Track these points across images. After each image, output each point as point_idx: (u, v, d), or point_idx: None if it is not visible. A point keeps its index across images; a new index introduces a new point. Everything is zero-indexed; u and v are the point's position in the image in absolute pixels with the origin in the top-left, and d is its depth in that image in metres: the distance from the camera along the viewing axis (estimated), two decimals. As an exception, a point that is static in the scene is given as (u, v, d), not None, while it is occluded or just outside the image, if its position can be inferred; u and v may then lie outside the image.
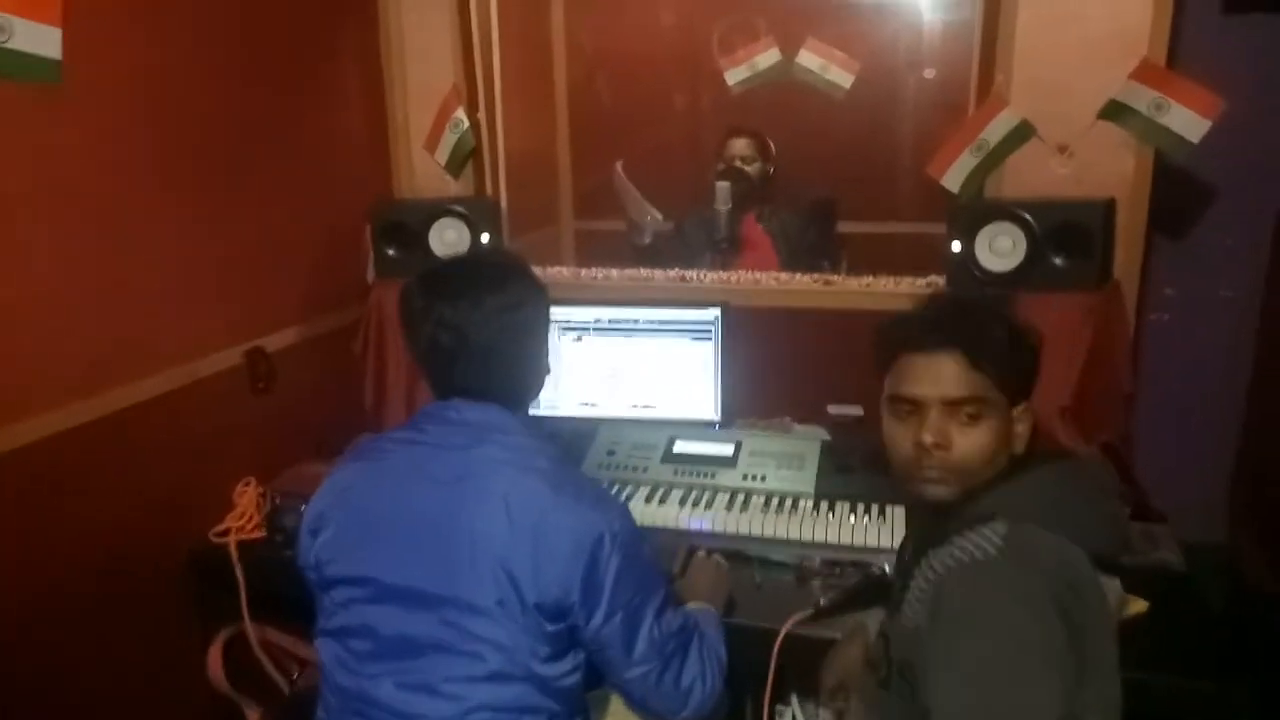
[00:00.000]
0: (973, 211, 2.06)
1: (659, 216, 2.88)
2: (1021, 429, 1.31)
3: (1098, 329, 1.96)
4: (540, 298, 1.49)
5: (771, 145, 3.07)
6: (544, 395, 2.39)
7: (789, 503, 2.01)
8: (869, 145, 3.43)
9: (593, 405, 2.45)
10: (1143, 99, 2.06)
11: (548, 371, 1.54)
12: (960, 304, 1.39)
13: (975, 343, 1.27)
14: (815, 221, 2.68)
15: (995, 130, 2.19)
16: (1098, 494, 1.34)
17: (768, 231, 3.00)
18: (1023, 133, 2.17)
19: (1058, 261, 2.01)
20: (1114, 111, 2.10)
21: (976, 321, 1.31)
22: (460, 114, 2.57)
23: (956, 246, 2.07)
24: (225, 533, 2.00)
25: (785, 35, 2.70)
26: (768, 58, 2.71)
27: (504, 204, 2.73)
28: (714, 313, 2.36)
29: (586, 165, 3.74)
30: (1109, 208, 2.03)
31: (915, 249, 3.21)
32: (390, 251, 2.44)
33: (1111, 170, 2.18)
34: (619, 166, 2.85)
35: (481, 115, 2.63)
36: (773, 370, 2.51)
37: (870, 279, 2.48)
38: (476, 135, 2.61)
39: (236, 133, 2.14)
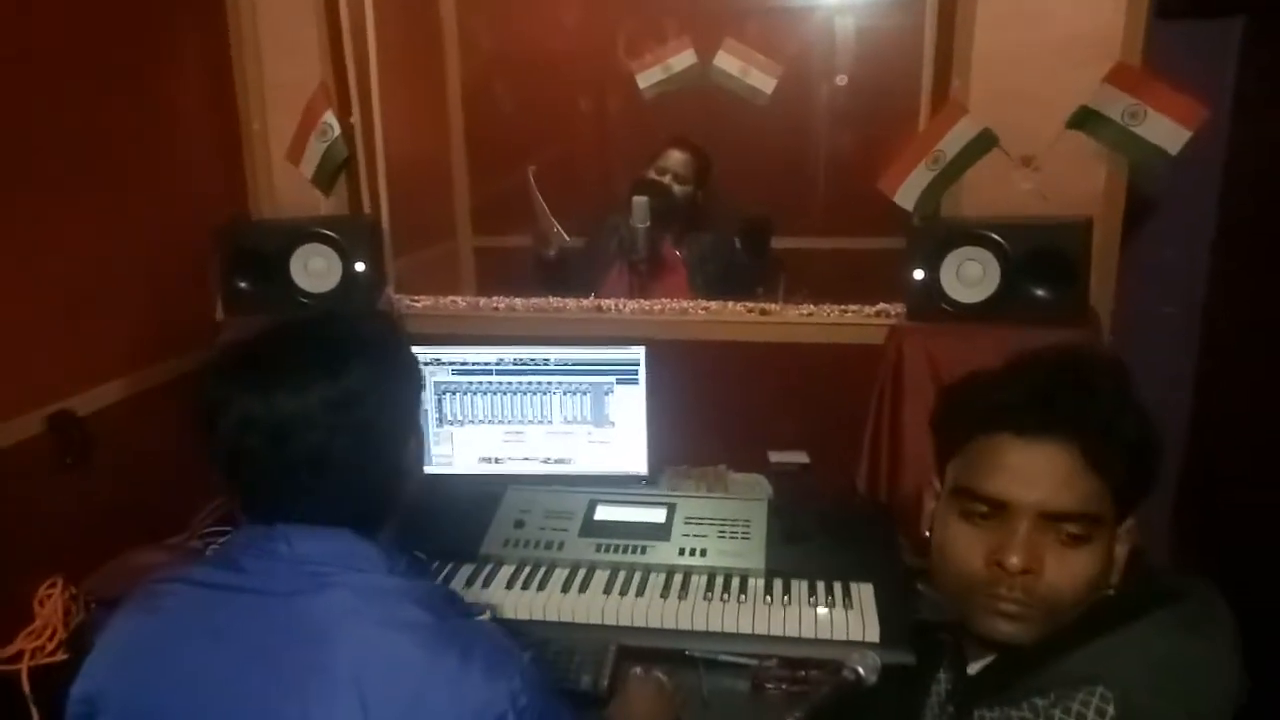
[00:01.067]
0: (936, 235, 1.79)
1: (564, 235, 2.53)
2: (1122, 551, 1.00)
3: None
4: (398, 378, 1.08)
5: (712, 168, 2.73)
6: (435, 450, 2.08)
7: (735, 583, 1.68)
8: (801, 155, 3.14)
9: (496, 462, 2.08)
10: (1116, 106, 1.83)
11: (418, 472, 1.15)
12: (1079, 371, 1.00)
13: (1101, 435, 0.94)
14: (747, 242, 2.37)
15: (953, 141, 1.92)
16: (1227, 654, 0.93)
17: (684, 259, 2.68)
18: (983, 143, 1.91)
19: (1037, 291, 1.74)
20: (1084, 119, 1.86)
21: (1104, 402, 0.96)
22: (329, 118, 2.17)
23: (919, 274, 1.78)
24: (16, 657, 1.55)
25: (705, 35, 2.39)
26: (682, 60, 2.40)
27: (385, 222, 2.33)
28: (638, 352, 2.02)
29: (486, 174, 3.36)
30: (1086, 229, 1.78)
31: (856, 267, 2.95)
32: (242, 284, 2.01)
33: (1081, 185, 1.93)
34: (530, 172, 2.48)
35: (356, 119, 2.22)
36: (705, 413, 2.19)
37: (811, 307, 2.18)
38: (350, 143, 2.21)
39: (45, 141, 1.69)
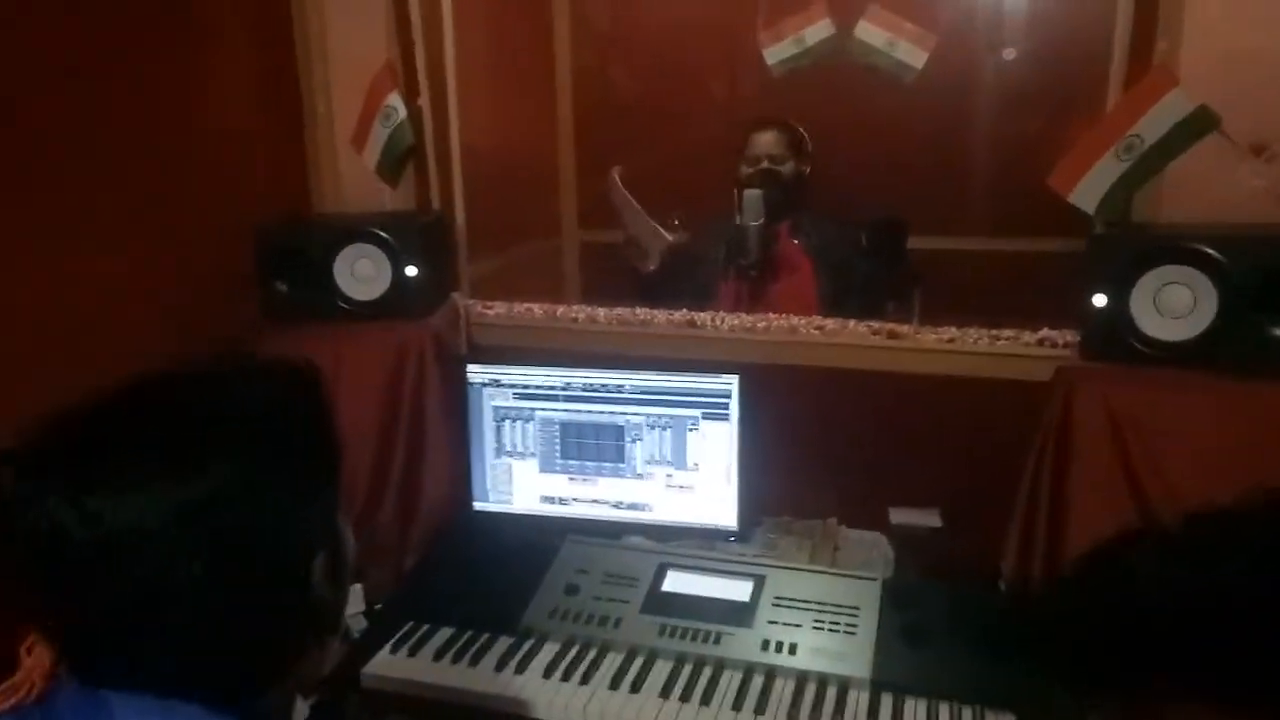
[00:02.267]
0: (1126, 248, 1.33)
1: (667, 236, 2.18)
2: None
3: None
4: (290, 473, 0.75)
5: (807, 138, 2.35)
6: (495, 481, 1.80)
7: (831, 695, 1.30)
8: (953, 141, 2.67)
9: (560, 502, 1.77)
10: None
11: (330, 629, 0.83)
12: None
13: None
14: (875, 246, 1.95)
15: (1156, 122, 1.45)
16: None
17: (807, 250, 2.29)
18: (1200, 124, 1.43)
19: (1272, 328, 1.26)
20: (1347, 92, 1.36)
21: None
22: (394, 99, 1.91)
23: (1100, 300, 1.33)
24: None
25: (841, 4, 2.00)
26: (818, 30, 2.03)
27: (460, 217, 2.06)
28: (731, 382, 1.66)
29: (596, 165, 3.06)
30: None
31: (1016, 276, 2.48)
32: (282, 287, 1.77)
33: (1336, 182, 1.42)
34: (615, 174, 2.16)
35: (425, 102, 1.95)
36: (815, 456, 1.81)
37: (954, 331, 1.75)
38: (417, 129, 1.94)
39: (69, 124, 1.51)
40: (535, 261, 2.94)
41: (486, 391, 1.77)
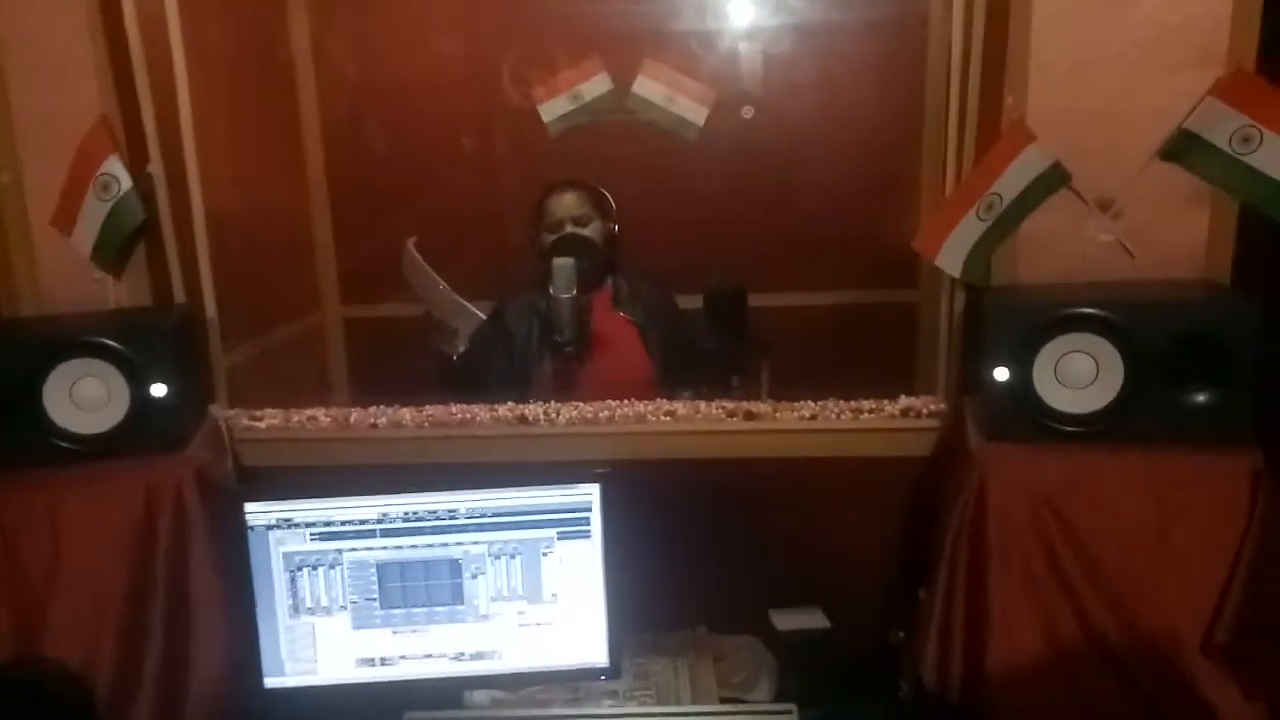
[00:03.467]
0: (1024, 317, 1.23)
1: (478, 314, 1.89)
2: None
3: (1269, 507, 1.17)
4: None
5: (608, 196, 2.17)
6: (293, 648, 1.39)
7: None
8: (757, 199, 2.59)
9: (383, 663, 1.41)
10: (1225, 127, 1.34)
11: None
12: None
13: None
14: (716, 320, 1.78)
15: (1014, 179, 1.39)
16: None
17: (633, 320, 2.09)
18: (1053, 180, 1.40)
19: (1193, 396, 1.20)
20: (1182, 148, 1.37)
21: None
22: (114, 166, 1.47)
23: (1002, 374, 1.22)
24: None
25: (620, 59, 1.86)
26: (595, 85, 1.87)
27: (212, 309, 1.64)
28: (590, 492, 1.39)
29: (355, 231, 2.69)
30: (1249, 307, 1.25)
31: (844, 327, 2.44)
32: (-36, 430, 1.28)
33: (1176, 236, 1.43)
34: (410, 245, 1.84)
35: (156, 168, 1.53)
36: (672, 557, 1.57)
37: (813, 406, 1.61)
38: (149, 201, 1.52)
39: None
40: (296, 345, 2.51)
41: (273, 535, 1.37)
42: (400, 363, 2.38)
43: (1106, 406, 1.21)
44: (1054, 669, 1.25)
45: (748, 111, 2.56)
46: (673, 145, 1.81)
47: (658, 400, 1.65)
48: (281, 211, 2.50)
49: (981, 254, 1.43)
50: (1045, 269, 1.45)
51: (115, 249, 1.50)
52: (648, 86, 1.85)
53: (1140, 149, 1.40)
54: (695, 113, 1.82)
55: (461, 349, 1.87)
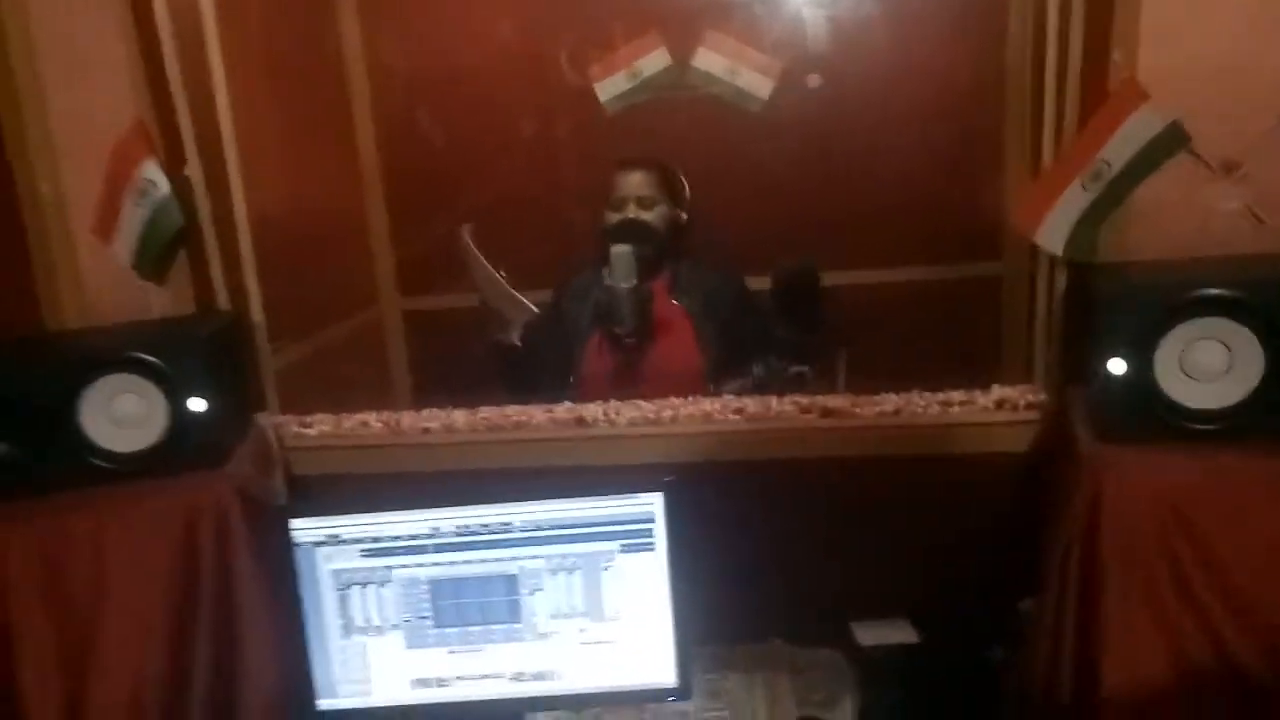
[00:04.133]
0: (1146, 300, 1.07)
1: (531, 306, 1.80)
2: None
3: None
4: None
5: (682, 180, 2.05)
6: (345, 669, 1.34)
7: None
8: (823, 174, 2.44)
9: (439, 684, 1.33)
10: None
11: None
12: None
13: None
14: (787, 305, 1.64)
15: (1125, 143, 1.23)
16: None
17: (686, 309, 1.97)
18: (1170, 143, 1.23)
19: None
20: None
21: None
22: (151, 171, 1.42)
23: (1119, 366, 1.07)
24: None
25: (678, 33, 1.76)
26: (653, 61, 1.76)
27: (259, 314, 1.58)
28: (652, 501, 1.29)
29: (412, 221, 2.63)
30: None
31: (922, 306, 2.32)
32: (2, 448, 1.24)
33: (1314, 200, 1.25)
34: (465, 234, 1.76)
35: (195, 171, 1.47)
36: (743, 565, 1.46)
37: (895, 399, 1.48)
38: (188, 205, 1.46)
39: None
40: (353, 342, 2.46)
41: (321, 553, 1.31)
42: (462, 354, 2.32)
43: (1242, 401, 1.05)
44: (1178, 696, 1.10)
45: (814, 80, 2.41)
46: (738, 119, 1.68)
47: (725, 397, 1.53)
48: (333, 206, 2.45)
49: (1088, 228, 1.27)
50: (1160, 243, 1.28)
51: (156, 256, 1.45)
52: (709, 59, 1.74)
53: (1268, 105, 1.22)
54: (760, 85, 1.70)
55: (516, 340, 1.78)
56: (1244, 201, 1.25)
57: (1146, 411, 1.07)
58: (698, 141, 2.21)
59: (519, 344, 1.90)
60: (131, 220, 1.44)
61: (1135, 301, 1.07)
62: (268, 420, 1.54)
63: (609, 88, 1.75)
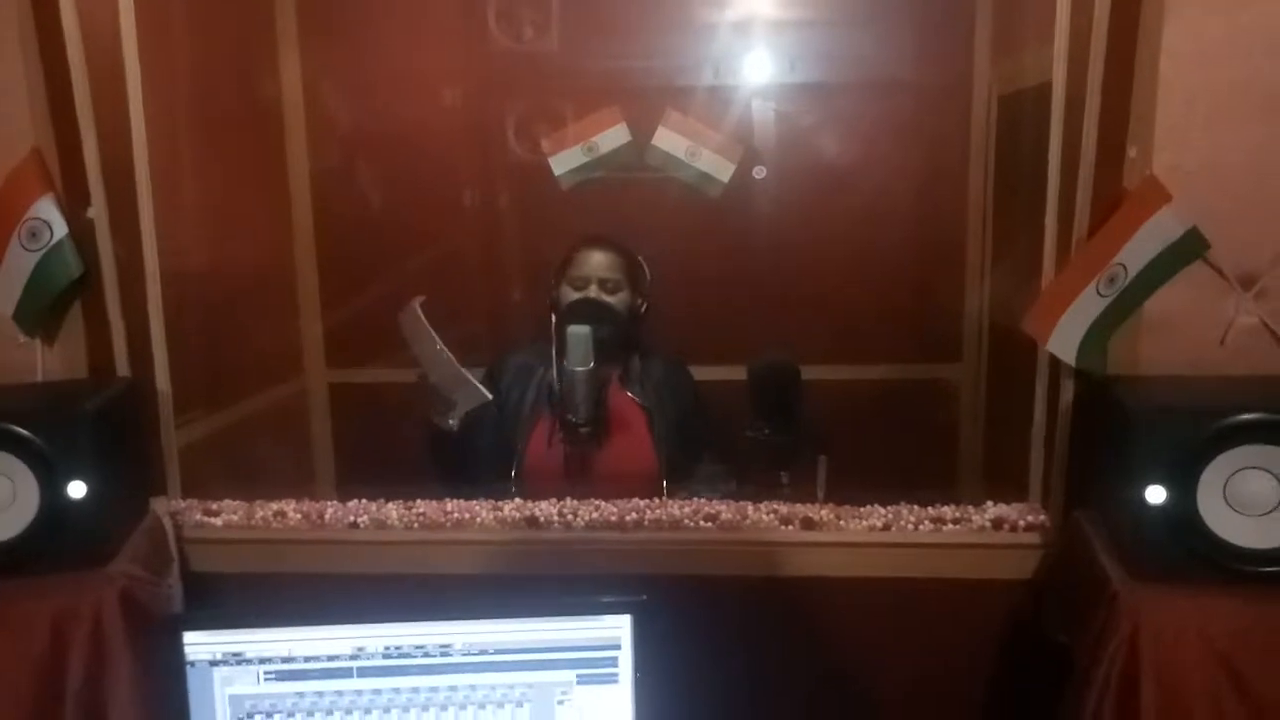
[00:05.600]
0: (1186, 422, 0.96)
1: (484, 392, 1.62)
2: None
3: None
4: None
5: (645, 269, 1.91)
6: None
7: None
8: (787, 263, 2.34)
9: (353, 842, 1.10)
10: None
11: None
12: None
13: None
14: (766, 404, 1.50)
15: (1142, 247, 1.15)
16: None
17: (640, 403, 1.82)
18: (1189, 250, 1.15)
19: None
20: (1345, 213, 1.13)
21: None
22: (46, 208, 1.22)
23: (1157, 495, 0.96)
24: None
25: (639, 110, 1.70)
26: (612, 136, 1.69)
27: (164, 382, 1.37)
28: (619, 625, 1.11)
29: (344, 286, 2.43)
30: None
31: (886, 404, 2.23)
32: None
33: (1334, 319, 1.18)
34: (417, 306, 1.59)
35: (98, 211, 1.27)
36: (722, 698, 1.28)
37: (883, 513, 1.34)
38: (87, 251, 1.26)
39: None
40: (272, 417, 2.22)
41: (219, 674, 1.08)
42: (394, 435, 2.11)
43: (1297, 541, 0.94)
44: None
45: (760, 172, 2.35)
46: (695, 204, 1.66)
47: (696, 501, 1.37)
48: (260, 265, 2.24)
49: (1100, 336, 1.18)
50: (1173, 357, 1.20)
51: (42, 308, 1.24)
52: (669, 139, 1.70)
53: (1292, 215, 1.16)
54: (721, 167, 1.65)
55: (453, 424, 1.59)
56: (1261, 317, 1.18)
57: (1189, 548, 0.96)
58: (653, 224, 2.10)
59: (454, 427, 1.72)
60: (18, 265, 1.23)
61: (1174, 424, 0.96)
62: (165, 507, 1.32)
63: (564, 160, 1.66)
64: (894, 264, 2.33)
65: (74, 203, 1.25)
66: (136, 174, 1.31)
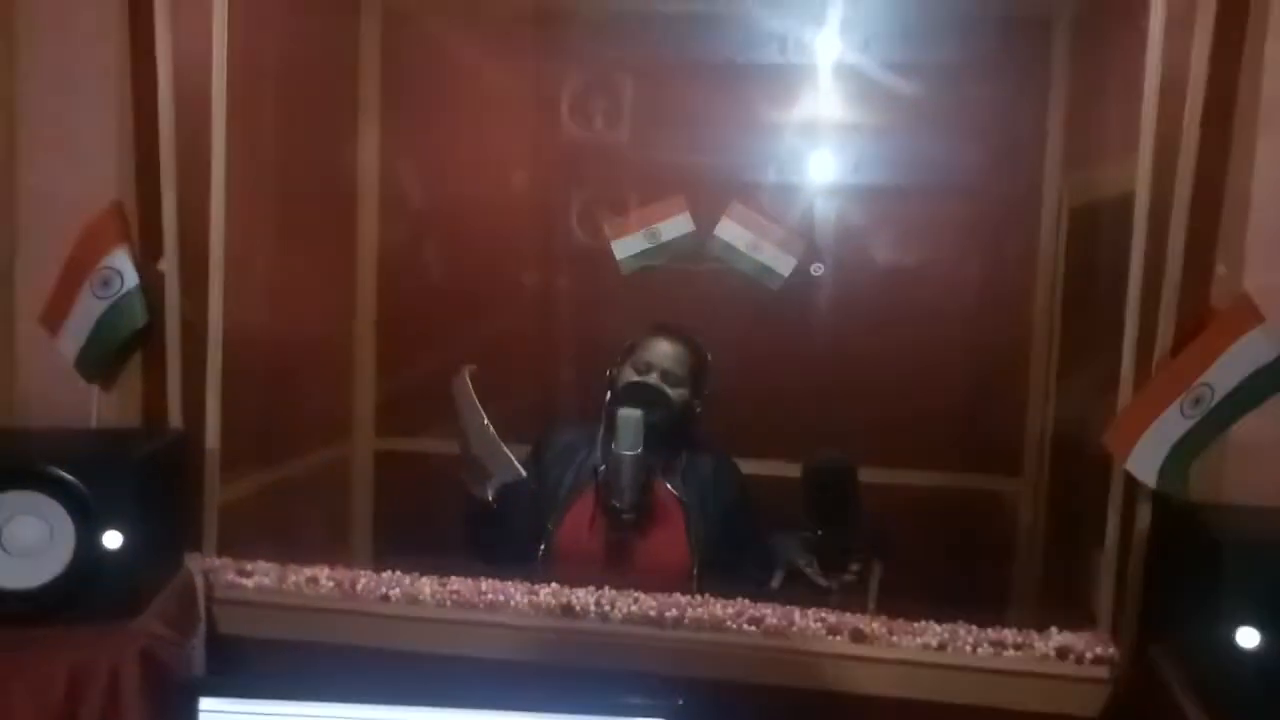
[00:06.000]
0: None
1: (519, 469, 1.59)
2: None
3: None
4: None
5: (711, 371, 1.86)
6: None
7: None
8: (846, 366, 2.30)
9: None
10: None
11: None
12: None
13: None
14: (822, 505, 1.44)
15: (1231, 368, 1.09)
16: None
17: (681, 499, 1.76)
18: (1278, 376, 1.08)
19: None
20: None
21: None
22: (119, 259, 1.24)
23: (1250, 638, 0.88)
24: None
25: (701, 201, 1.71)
26: (675, 225, 1.68)
27: (214, 439, 1.36)
28: (649, 732, 1.04)
29: (398, 358, 2.45)
30: None
31: (942, 515, 2.15)
32: None
33: None
34: (466, 375, 1.58)
35: (169, 264, 1.30)
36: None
37: (938, 631, 1.26)
38: (154, 304, 1.28)
39: None
40: (315, 480, 2.21)
41: (229, 750, 1.04)
42: (433, 505, 2.09)
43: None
44: None
45: (818, 268, 2.32)
46: (753, 297, 1.64)
47: (740, 602, 1.31)
48: (320, 330, 2.27)
49: (1183, 459, 1.11)
50: (1260, 485, 1.12)
51: (105, 355, 1.25)
52: (731, 230, 1.68)
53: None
54: (782, 262, 1.62)
55: (490, 496, 1.56)
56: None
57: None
58: (708, 312, 2.08)
59: (492, 502, 1.68)
60: (86, 312, 1.25)
61: (1273, 559, 0.88)
62: (199, 564, 1.30)
63: (626, 246, 1.65)
64: (954, 370, 2.27)
65: (147, 256, 1.27)
66: (211, 233, 1.33)
